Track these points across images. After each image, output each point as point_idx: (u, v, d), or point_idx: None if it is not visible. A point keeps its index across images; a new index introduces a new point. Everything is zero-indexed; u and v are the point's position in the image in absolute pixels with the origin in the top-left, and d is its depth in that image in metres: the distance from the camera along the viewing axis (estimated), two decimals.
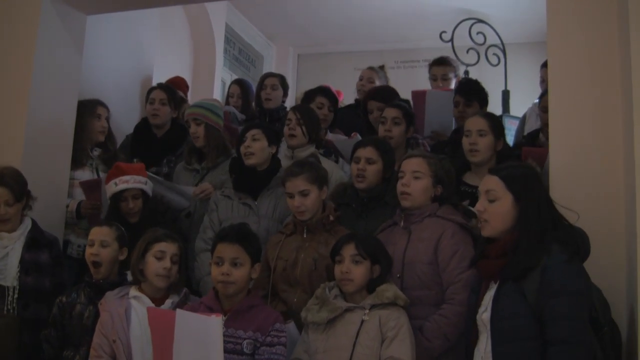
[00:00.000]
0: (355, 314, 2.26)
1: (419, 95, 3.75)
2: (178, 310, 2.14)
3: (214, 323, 2.00)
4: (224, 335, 2.19)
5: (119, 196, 3.06)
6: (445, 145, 3.44)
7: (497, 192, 2.02)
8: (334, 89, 4.78)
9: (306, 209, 2.62)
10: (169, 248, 2.49)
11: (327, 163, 3.15)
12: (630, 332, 2.09)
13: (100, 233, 2.70)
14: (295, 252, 2.60)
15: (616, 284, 2.12)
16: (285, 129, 3.30)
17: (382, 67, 4.61)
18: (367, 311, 2.25)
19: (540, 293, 1.88)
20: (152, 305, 2.44)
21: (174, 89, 4.02)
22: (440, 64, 4.27)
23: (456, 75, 4.28)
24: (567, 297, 1.85)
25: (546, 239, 1.94)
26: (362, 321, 2.23)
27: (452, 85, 4.17)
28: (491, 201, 2.03)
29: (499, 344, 1.95)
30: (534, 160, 2.79)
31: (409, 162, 2.53)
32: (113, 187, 3.07)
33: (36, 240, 2.88)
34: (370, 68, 4.54)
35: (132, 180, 3.06)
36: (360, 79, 4.46)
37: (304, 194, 2.62)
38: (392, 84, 4.31)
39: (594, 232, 2.05)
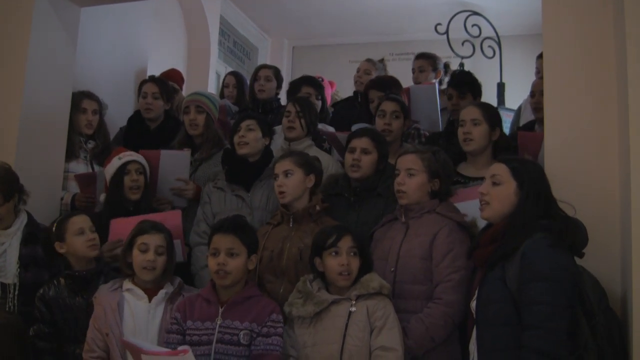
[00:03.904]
0: (341, 306, 2.25)
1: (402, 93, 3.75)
2: (143, 356, 2.05)
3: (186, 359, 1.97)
4: (221, 327, 2.22)
5: (122, 170, 2.99)
6: (439, 137, 3.45)
7: (502, 177, 2.11)
8: (327, 80, 4.80)
9: (287, 190, 2.61)
10: (152, 240, 2.46)
11: (324, 156, 3.14)
12: (624, 322, 2.09)
13: (80, 222, 2.66)
14: (281, 242, 2.58)
15: (609, 271, 2.13)
16: (284, 120, 3.27)
17: (381, 61, 4.66)
18: (354, 302, 2.24)
19: (519, 279, 1.91)
20: (145, 297, 2.43)
21: (166, 81, 3.98)
22: (419, 57, 4.40)
23: (435, 69, 4.33)
24: (540, 283, 1.87)
25: (532, 226, 1.98)
26: (350, 313, 2.22)
27: (431, 78, 4.26)
28: (495, 184, 2.12)
29: (482, 329, 1.99)
30: (530, 145, 2.83)
31: (403, 160, 2.52)
32: (117, 161, 3.00)
33: (33, 234, 2.85)
34: (368, 60, 4.60)
35: (136, 155, 3.04)
36: (357, 71, 4.52)
37: (287, 174, 2.62)
38: None
39: (588, 218, 2.07)
